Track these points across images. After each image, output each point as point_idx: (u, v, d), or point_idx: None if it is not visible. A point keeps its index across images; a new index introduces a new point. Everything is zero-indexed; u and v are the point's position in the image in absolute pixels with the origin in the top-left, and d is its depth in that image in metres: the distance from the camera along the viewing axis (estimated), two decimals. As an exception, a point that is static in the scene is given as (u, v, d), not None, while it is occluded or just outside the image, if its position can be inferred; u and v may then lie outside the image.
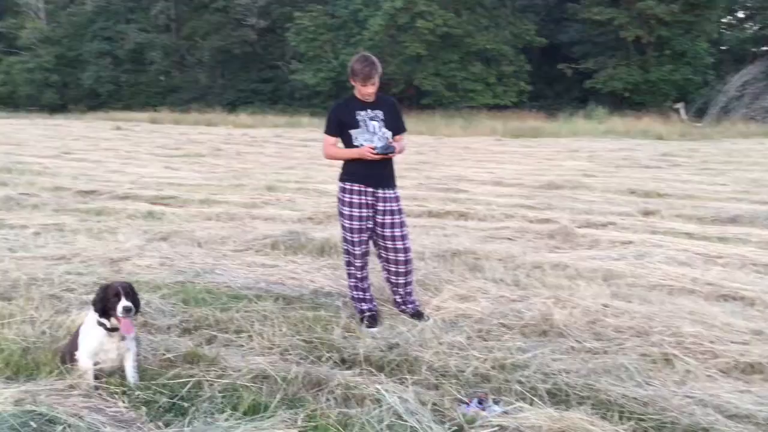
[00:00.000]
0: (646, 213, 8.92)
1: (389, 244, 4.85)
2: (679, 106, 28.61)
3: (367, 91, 4.68)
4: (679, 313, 4.83)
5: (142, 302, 4.13)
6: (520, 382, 3.81)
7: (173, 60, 43.71)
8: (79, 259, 6.24)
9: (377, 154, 4.61)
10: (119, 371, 3.77)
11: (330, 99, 35.14)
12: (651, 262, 6.29)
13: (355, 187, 4.76)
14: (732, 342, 4.30)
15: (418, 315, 4.89)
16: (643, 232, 7.71)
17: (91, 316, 3.74)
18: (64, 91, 43.74)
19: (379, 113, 4.74)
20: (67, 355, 3.79)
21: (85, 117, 33.77)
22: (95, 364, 3.70)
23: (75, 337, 3.80)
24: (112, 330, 3.68)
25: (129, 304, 3.63)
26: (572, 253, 6.73)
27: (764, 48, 33.04)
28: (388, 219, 4.81)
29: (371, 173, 4.74)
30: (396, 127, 4.85)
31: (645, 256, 6.49)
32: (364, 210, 4.77)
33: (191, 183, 11.68)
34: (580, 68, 33.02)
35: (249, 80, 40.92)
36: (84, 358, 3.68)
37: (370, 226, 4.83)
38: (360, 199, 4.75)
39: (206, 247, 7.02)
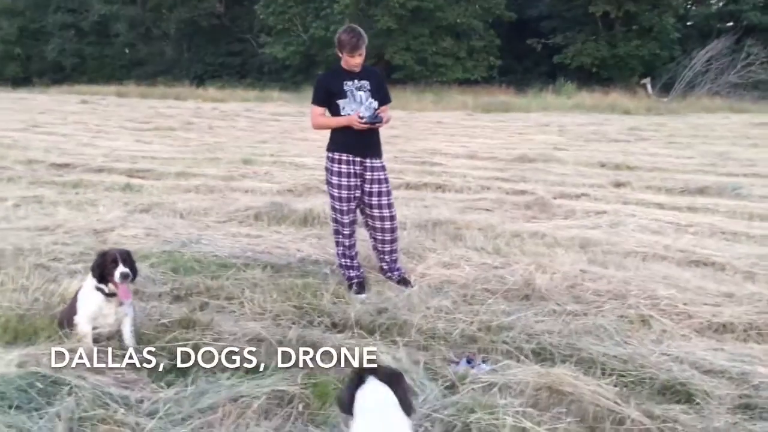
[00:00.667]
0: (618, 185, 9.16)
1: (376, 212, 4.96)
2: (646, 81, 29.03)
3: (354, 61, 4.75)
4: (653, 277, 5.04)
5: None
6: (505, 343, 3.99)
7: (138, 32, 42.86)
8: (62, 230, 6.25)
9: (365, 123, 4.70)
10: (117, 336, 3.86)
11: (299, 73, 34.94)
12: (625, 230, 6.53)
13: (344, 157, 4.85)
14: (705, 304, 4.52)
15: (404, 282, 5.03)
16: (616, 203, 7.95)
17: (90, 282, 3.81)
18: (27, 64, 42.79)
19: (366, 83, 4.83)
20: (66, 319, 3.86)
21: (50, 90, 33.07)
22: (94, 328, 3.78)
23: (73, 302, 3.86)
24: (110, 295, 3.76)
25: (126, 270, 3.70)
26: (549, 223, 6.93)
27: (729, 24, 33.52)
28: (375, 188, 4.92)
29: (359, 143, 4.83)
30: (382, 97, 4.93)
31: (619, 225, 6.72)
32: (353, 179, 4.87)
33: (165, 156, 11.62)
34: (549, 43, 33.22)
35: (217, 54, 40.32)
36: (83, 323, 3.76)
37: (357, 195, 4.93)
38: (348, 168, 4.85)
39: (189, 218, 7.06)
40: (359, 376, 2.48)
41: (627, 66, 31.45)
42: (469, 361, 3.80)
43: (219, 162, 11.03)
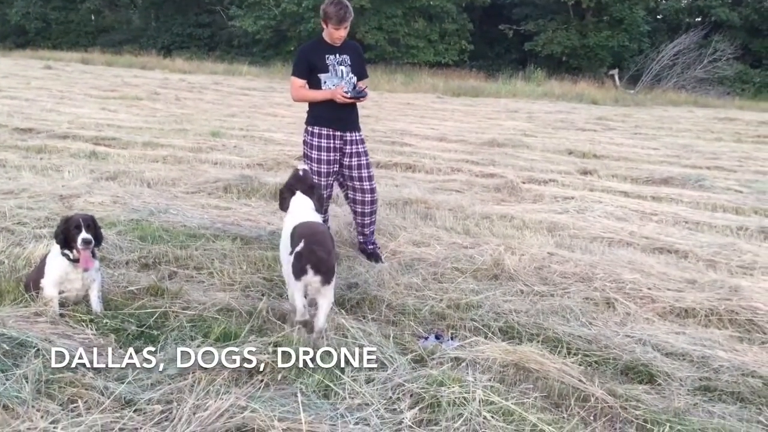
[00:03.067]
0: (585, 172, 9.28)
1: (357, 184, 4.98)
2: (614, 72, 29.34)
3: (339, 34, 4.73)
4: (618, 262, 5.14)
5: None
6: (474, 320, 4.04)
7: (105, -1, 41.90)
8: (27, 194, 6.13)
9: (350, 97, 4.68)
10: (84, 301, 3.81)
11: (270, 48, 34.52)
12: (591, 216, 6.63)
13: (324, 131, 4.84)
14: (668, 289, 4.63)
15: (375, 257, 5.05)
16: (583, 189, 8.07)
17: (55, 248, 3.75)
18: (-12, 27, 41.47)
19: (347, 58, 4.82)
20: (32, 282, 3.80)
21: (12, 54, 32.16)
22: (60, 293, 3.73)
23: (41, 265, 3.80)
24: (76, 261, 3.70)
25: (89, 236, 3.65)
26: (518, 206, 7.00)
27: (698, 19, 34.02)
28: (355, 161, 4.92)
29: (339, 116, 4.82)
30: (360, 72, 4.93)
31: (585, 211, 6.82)
32: (332, 154, 4.86)
33: (131, 126, 11.41)
34: (520, 30, 33.35)
35: (185, 24, 39.52)
36: (49, 287, 3.70)
37: (336, 169, 4.93)
38: (328, 143, 4.84)
39: (156, 188, 6.97)
40: (291, 191, 4.17)
41: (596, 56, 31.74)
42: (437, 337, 3.85)
43: (187, 134, 10.88)
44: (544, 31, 32.32)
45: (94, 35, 40.13)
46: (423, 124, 14.19)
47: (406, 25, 32.15)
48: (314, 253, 3.47)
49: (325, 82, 4.78)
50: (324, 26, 4.77)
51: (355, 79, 4.85)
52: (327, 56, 4.77)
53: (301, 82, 4.86)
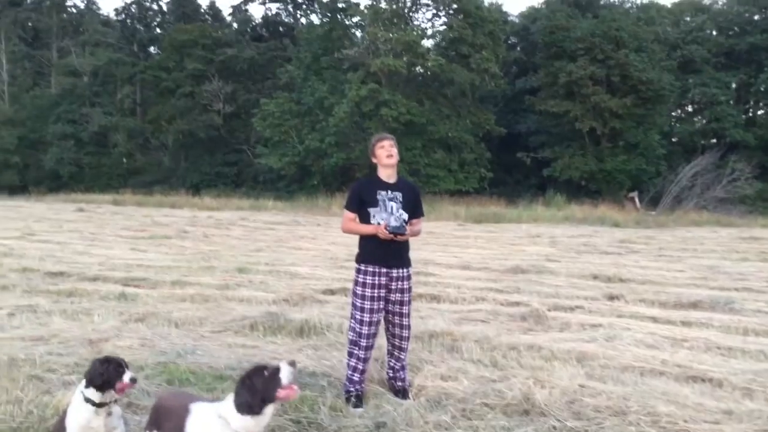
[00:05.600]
0: (611, 297, 9.20)
1: (396, 320, 5.03)
2: (634, 194, 29.68)
3: (385, 153, 4.96)
4: (652, 393, 5.01)
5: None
6: (507, 461, 3.92)
7: (137, 142, 43.90)
8: (57, 339, 6.21)
9: (389, 233, 4.79)
10: (110, 450, 3.78)
11: (294, 183, 35.60)
12: (621, 344, 6.51)
13: (369, 268, 4.92)
14: (704, 421, 4.48)
15: (403, 393, 4.99)
16: (610, 316, 7.98)
17: (78, 395, 3.75)
18: (24, 173, 43.40)
19: (399, 195, 4.98)
20: (56, 434, 3.79)
21: (46, 198, 33.46)
22: (84, 442, 3.70)
23: (63, 416, 3.80)
24: (100, 406, 3.69)
25: (135, 375, 3.71)
26: (545, 336, 6.92)
27: (713, 141, 34.70)
28: (398, 297, 4.98)
29: (385, 253, 4.90)
30: (413, 210, 5.06)
31: (615, 339, 6.71)
32: (377, 291, 4.91)
33: (160, 265, 11.65)
34: (538, 157, 34.19)
35: (213, 163, 41.19)
36: (73, 437, 3.69)
37: (381, 307, 4.97)
38: (374, 279, 4.90)
39: (184, 328, 7.03)
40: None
41: (615, 180, 32.26)
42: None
43: (214, 270, 11.07)
44: (561, 157, 33.11)
45: (126, 177, 41.74)
46: (446, 252, 14.32)
47: (426, 156, 33.11)
48: None
49: (373, 216, 4.93)
50: (374, 160, 5.02)
51: (405, 215, 4.98)
52: (379, 192, 4.95)
53: (352, 215, 5.02)
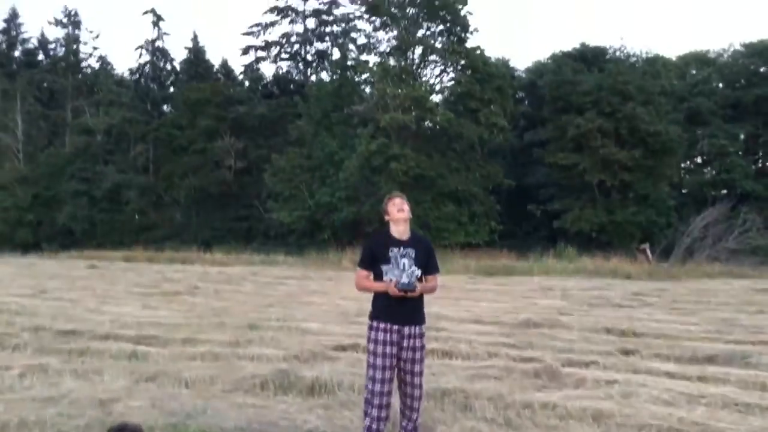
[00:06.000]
0: (626, 352, 9.09)
1: (408, 378, 5.00)
2: (645, 246, 29.52)
3: (396, 208, 5.03)
4: (670, 452, 4.92)
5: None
6: None
7: (150, 199, 44.29)
8: (67, 400, 6.18)
9: (399, 290, 4.79)
10: None
11: (304, 237, 35.69)
12: (637, 401, 6.41)
13: (381, 325, 4.92)
14: (725, 481, 4.39)
15: (417, 454, 4.93)
16: (626, 372, 7.86)
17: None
18: (37, 230, 43.73)
19: (411, 251, 5.00)
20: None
21: (59, 255, 33.63)
22: None
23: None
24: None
25: None
26: (559, 393, 6.81)
27: (723, 191, 34.68)
28: (410, 355, 4.97)
29: (397, 310, 4.91)
30: (426, 266, 5.07)
31: (631, 396, 6.61)
32: (389, 347, 4.91)
33: (171, 322, 11.64)
34: (547, 209, 34.22)
35: (225, 219, 41.45)
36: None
37: (394, 364, 4.95)
38: (386, 336, 4.90)
39: (194, 387, 6.99)
40: None
41: (625, 232, 32.17)
42: None
43: (225, 327, 11.04)
44: (571, 209, 33.12)
45: (138, 233, 41.92)
46: (457, 306, 14.24)
47: (435, 209, 33.20)
48: None
49: (386, 273, 4.94)
50: (387, 217, 5.08)
51: (418, 272, 4.98)
52: (391, 248, 4.98)
53: (365, 273, 5.05)
